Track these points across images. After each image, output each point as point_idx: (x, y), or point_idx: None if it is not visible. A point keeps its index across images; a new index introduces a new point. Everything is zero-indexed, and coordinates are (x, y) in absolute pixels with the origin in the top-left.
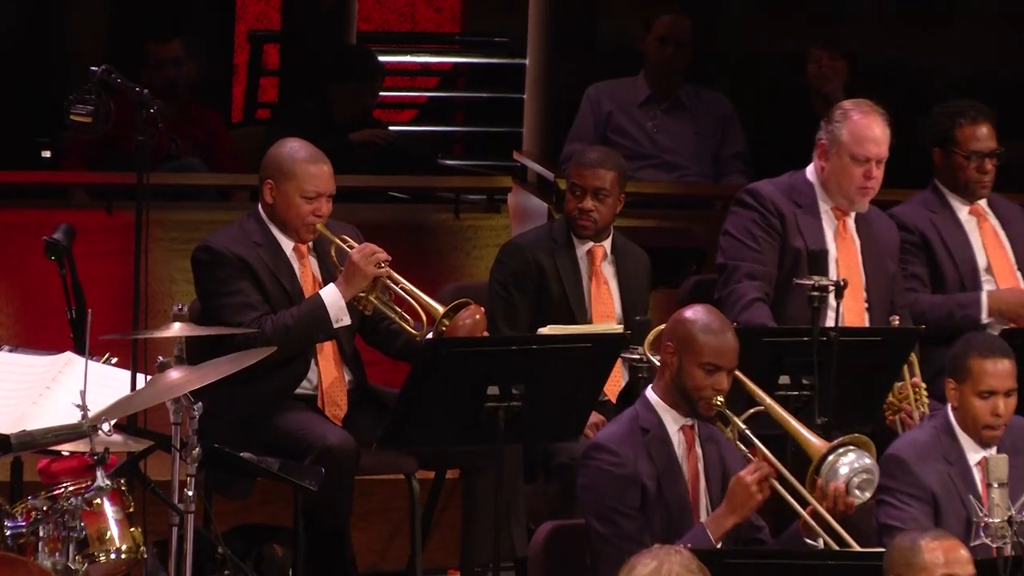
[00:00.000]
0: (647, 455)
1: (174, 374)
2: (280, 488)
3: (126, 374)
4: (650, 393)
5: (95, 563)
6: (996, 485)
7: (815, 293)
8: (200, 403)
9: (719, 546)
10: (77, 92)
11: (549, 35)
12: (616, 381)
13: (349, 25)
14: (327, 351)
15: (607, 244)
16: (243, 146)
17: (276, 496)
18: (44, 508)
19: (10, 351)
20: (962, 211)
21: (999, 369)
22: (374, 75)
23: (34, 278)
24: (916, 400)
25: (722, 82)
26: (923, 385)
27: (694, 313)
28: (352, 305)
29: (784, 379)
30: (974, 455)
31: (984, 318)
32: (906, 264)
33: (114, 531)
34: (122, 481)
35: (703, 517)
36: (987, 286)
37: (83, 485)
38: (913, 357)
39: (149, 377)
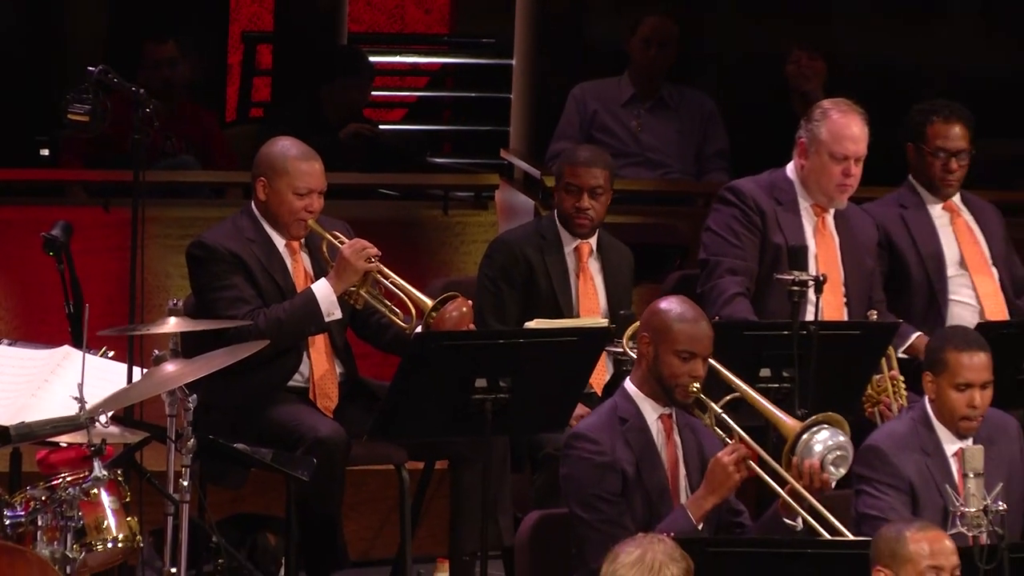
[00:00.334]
0: (625, 443)
1: (169, 367)
2: (273, 478)
3: (122, 367)
4: (628, 384)
5: (92, 552)
6: (972, 475)
7: (795, 288)
8: (195, 395)
9: (700, 527)
10: (75, 92)
11: (535, 36)
12: (601, 374)
13: (340, 26)
14: (318, 344)
15: (593, 241)
16: (236, 144)
17: (269, 486)
18: (43, 498)
19: (9, 345)
20: (935, 207)
21: (975, 362)
22: (364, 75)
23: (33, 273)
24: (894, 392)
25: (705, 82)
26: (901, 378)
27: (668, 303)
28: (343, 299)
29: (765, 372)
30: (951, 446)
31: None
32: None
33: (111, 520)
34: (119, 472)
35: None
36: (962, 280)
37: (81, 476)
38: (891, 350)
39: (145, 370)
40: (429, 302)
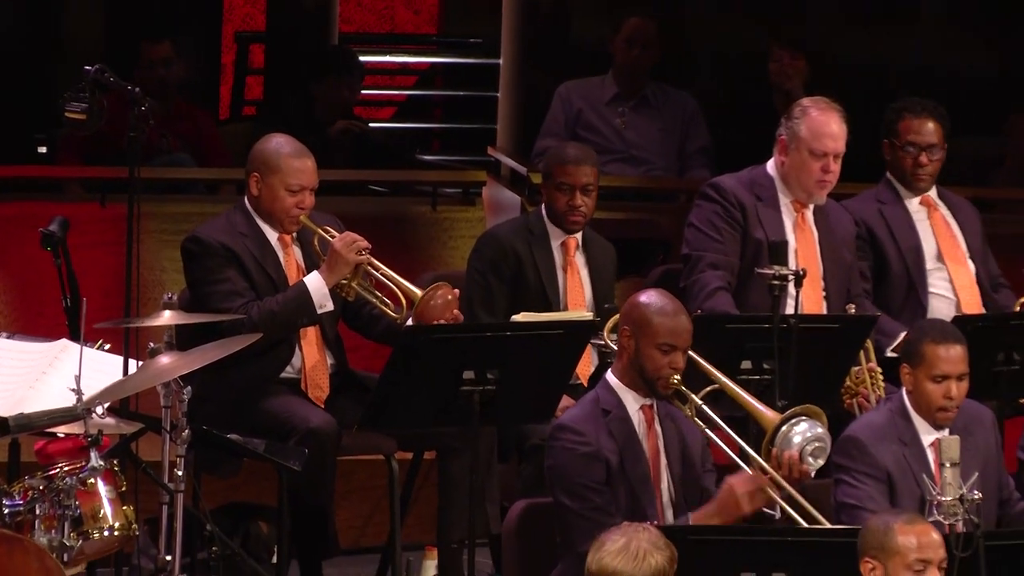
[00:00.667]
0: (609, 434)
1: (164, 359)
2: (266, 468)
3: (118, 360)
4: (610, 376)
5: (89, 540)
6: (948, 465)
7: (775, 282)
8: (189, 387)
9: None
10: (72, 90)
11: (522, 37)
12: (587, 365)
13: (331, 26)
14: (310, 336)
15: (579, 236)
16: (230, 142)
17: (262, 476)
18: (41, 487)
19: (8, 338)
20: (912, 202)
21: (952, 354)
22: (355, 74)
23: (31, 268)
24: (872, 384)
25: (687, 81)
26: (879, 370)
27: (648, 297)
28: (335, 292)
29: (746, 364)
30: (928, 436)
31: (889, 352)
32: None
33: (107, 509)
34: (115, 462)
35: (664, 492)
36: (940, 273)
37: (78, 466)
38: (869, 343)
39: (140, 362)
40: (419, 292)
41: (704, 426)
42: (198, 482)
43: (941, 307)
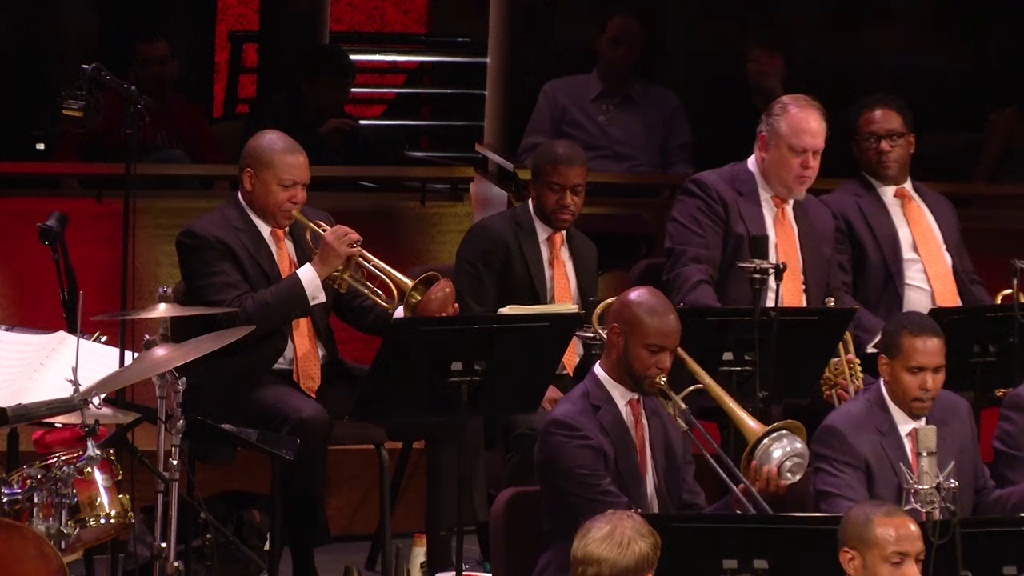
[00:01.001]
0: (601, 428)
1: (159, 351)
2: (258, 457)
3: (115, 351)
4: (598, 370)
5: (86, 527)
6: (925, 454)
7: (756, 275)
8: (184, 378)
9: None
10: (69, 88)
11: (509, 36)
12: (573, 356)
13: (322, 26)
14: (302, 327)
15: (564, 231)
16: (223, 139)
17: (255, 465)
18: (39, 476)
19: (7, 330)
20: (887, 194)
21: (928, 347)
22: (346, 73)
23: (29, 262)
24: (851, 375)
25: (670, 79)
26: (857, 361)
27: (639, 296)
28: (327, 283)
29: (727, 356)
30: (905, 426)
31: (869, 348)
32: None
33: (104, 498)
34: (111, 451)
35: (649, 484)
36: (915, 265)
37: (75, 455)
38: (847, 335)
39: (136, 354)
40: (409, 282)
41: (685, 426)
42: (192, 471)
43: (917, 298)
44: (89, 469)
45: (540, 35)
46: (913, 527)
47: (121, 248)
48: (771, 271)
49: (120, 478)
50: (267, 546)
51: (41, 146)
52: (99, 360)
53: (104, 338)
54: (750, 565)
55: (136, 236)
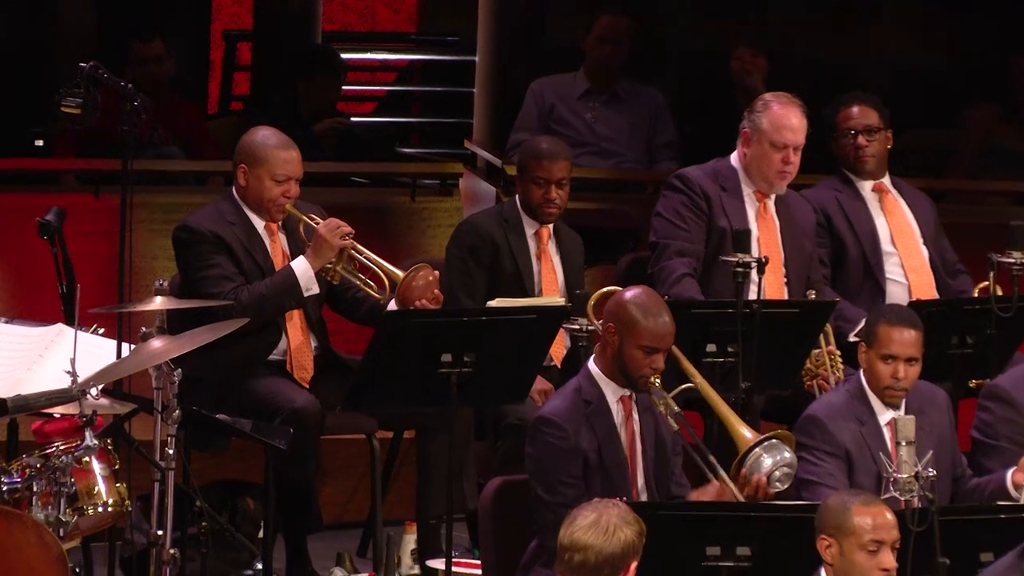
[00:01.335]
0: (589, 426)
1: (156, 343)
2: (252, 447)
3: (112, 343)
4: (592, 366)
5: (84, 516)
6: (904, 443)
7: (739, 269)
8: (179, 369)
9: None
10: (68, 86)
11: (497, 35)
12: (560, 348)
13: (315, 25)
14: (295, 319)
15: (550, 226)
16: (218, 135)
17: (249, 454)
18: (38, 465)
19: (6, 322)
20: (865, 188)
21: (904, 337)
22: (337, 71)
23: (28, 256)
24: (832, 366)
25: (655, 77)
26: (838, 352)
27: (634, 296)
28: (320, 275)
29: (711, 347)
30: (884, 416)
31: (851, 337)
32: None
33: (101, 486)
34: (108, 441)
35: (640, 479)
36: (893, 258)
37: (73, 444)
38: (828, 327)
39: (133, 346)
40: (401, 274)
41: (675, 425)
42: (188, 460)
43: (894, 291)
44: (87, 458)
45: (528, 34)
46: (889, 516)
47: (118, 242)
48: (753, 265)
49: (117, 467)
50: (261, 533)
51: (40, 143)
52: (97, 352)
53: (102, 330)
54: (733, 552)
55: (133, 231)
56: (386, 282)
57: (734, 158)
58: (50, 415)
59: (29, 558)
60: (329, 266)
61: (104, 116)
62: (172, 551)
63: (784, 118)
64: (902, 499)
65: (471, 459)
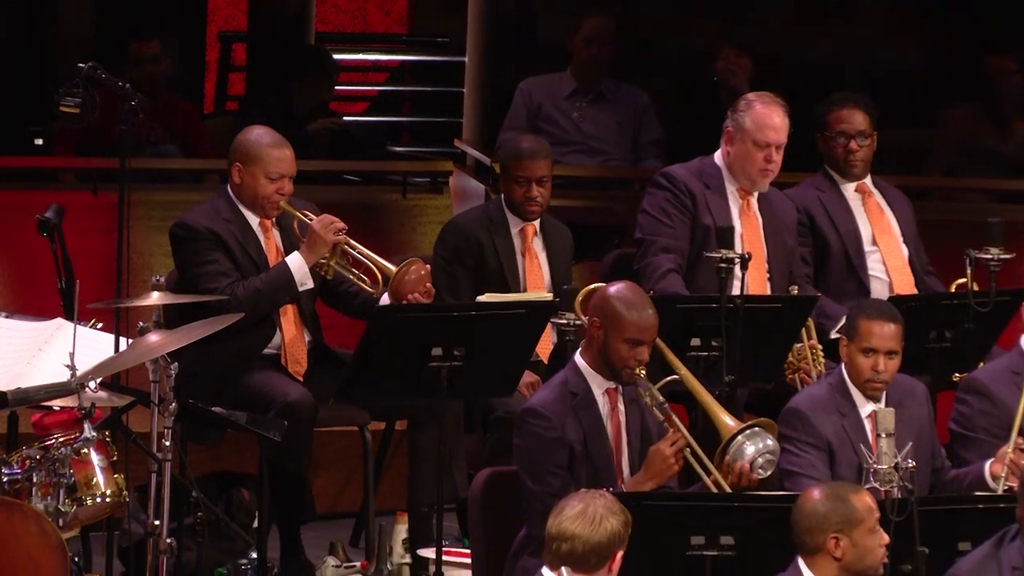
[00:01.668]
0: (575, 418)
1: (153, 337)
2: (247, 439)
3: (110, 338)
4: (579, 359)
5: (83, 506)
6: (884, 435)
7: (723, 265)
8: (176, 363)
9: None
10: (66, 86)
11: (486, 36)
12: (547, 343)
13: (308, 26)
14: (289, 314)
15: (536, 223)
16: (214, 134)
17: (244, 446)
18: (37, 457)
19: (7, 317)
20: (848, 189)
21: (884, 331)
22: (330, 71)
23: (28, 252)
24: (813, 360)
25: (641, 77)
26: (819, 347)
27: (618, 291)
28: (314, 270)
29: (695, 341)
30: (865, 408)
31: (833, 334)
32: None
33: (100, 477)
34: (107, 433)
35: (625, 471)
36: (874, 256)
37: (72, 436)
38: (810, 322)
39: (131, 340)
40: (393, 269)
41: (661, 417)
42: (184, 452)
43: (877, 289)
44: (86, 450)
45: (517, 35)
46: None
47: (116, 239)
48: (737, 261)
49: (115, 459)
50: (256, 524)
51: (39, 141)
52: (95, 346)
53: (100, 325)
54: (717, 541)
55: (130, 227)
56: (379, 276)
57: (718, 156)
58: (49, 408)
59: (29, 547)
60: (323, 261)
61: (102, 115)
62: (169, 541)
63: (767, 117)
64: (882, 489)
65: (461, 450)
